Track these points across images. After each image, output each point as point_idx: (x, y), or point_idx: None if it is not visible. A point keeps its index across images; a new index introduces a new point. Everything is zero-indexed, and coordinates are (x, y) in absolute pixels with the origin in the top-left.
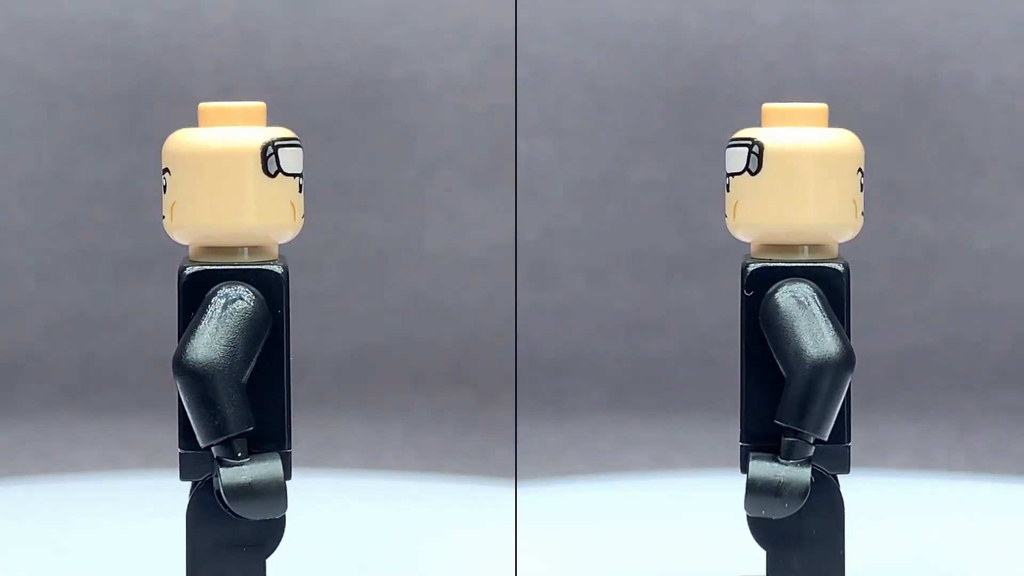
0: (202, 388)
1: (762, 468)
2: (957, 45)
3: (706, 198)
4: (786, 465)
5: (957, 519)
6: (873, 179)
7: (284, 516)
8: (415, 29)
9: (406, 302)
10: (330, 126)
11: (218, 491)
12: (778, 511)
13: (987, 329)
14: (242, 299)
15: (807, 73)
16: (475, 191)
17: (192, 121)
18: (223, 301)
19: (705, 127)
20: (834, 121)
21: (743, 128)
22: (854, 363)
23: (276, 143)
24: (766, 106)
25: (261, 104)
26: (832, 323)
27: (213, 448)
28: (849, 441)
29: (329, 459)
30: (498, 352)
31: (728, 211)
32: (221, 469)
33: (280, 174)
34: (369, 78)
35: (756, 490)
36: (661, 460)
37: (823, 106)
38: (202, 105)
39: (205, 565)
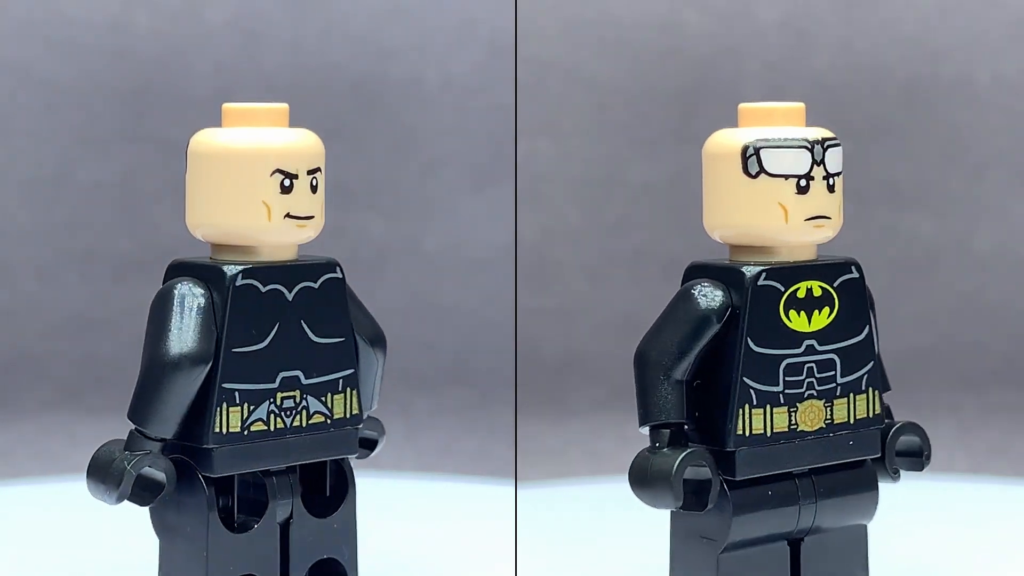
0: None
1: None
2: (957, 45)
3: None
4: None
5: (957, 519)
6: (873, 179)
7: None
8: (415, 29)
9: (406, 302)
10: (330, 126)
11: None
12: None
13: (987, 329)
14: None
15: (807, 73)
16: (475, 191)
17: (192, 120)
18: None
19: (705, 127)
20: (834, 121)
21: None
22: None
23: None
24: (742, 106)
25: (284, 106)
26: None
27: None
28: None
29: None
30: (498, 352)
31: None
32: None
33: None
34: (369, 78)
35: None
36: None
37: (800, 105)
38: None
39: None
